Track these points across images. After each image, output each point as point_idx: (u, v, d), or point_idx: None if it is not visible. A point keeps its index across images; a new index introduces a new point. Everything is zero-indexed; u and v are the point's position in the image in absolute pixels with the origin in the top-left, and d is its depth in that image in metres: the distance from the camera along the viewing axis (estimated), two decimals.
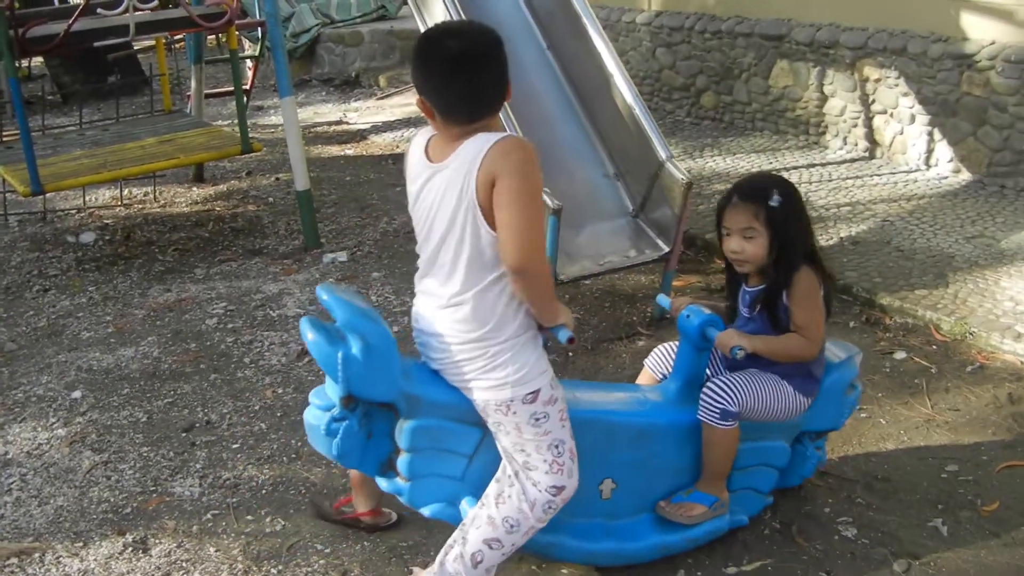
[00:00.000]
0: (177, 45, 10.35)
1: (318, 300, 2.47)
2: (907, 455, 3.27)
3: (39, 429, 3.72)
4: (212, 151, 5.62)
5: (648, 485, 2.79)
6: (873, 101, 6.07)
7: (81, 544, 3.03)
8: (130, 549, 2.99)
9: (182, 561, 2.92)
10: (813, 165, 6.18)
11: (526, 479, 2.46)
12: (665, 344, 3.02)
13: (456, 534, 2.53)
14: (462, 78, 2.29)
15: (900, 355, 3.92)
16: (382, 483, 2.62)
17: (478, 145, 2.27)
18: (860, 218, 5.22)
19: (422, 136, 2.45)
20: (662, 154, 4.15)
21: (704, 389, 2.73)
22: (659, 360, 3.00)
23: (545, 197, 3.84)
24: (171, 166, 5.76)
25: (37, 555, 2.99)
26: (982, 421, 3.44)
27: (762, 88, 6.82)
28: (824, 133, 6.50)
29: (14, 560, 2.97)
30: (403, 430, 2.48)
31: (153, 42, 6.97)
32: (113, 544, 3.02)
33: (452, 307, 2.38)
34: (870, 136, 6.18)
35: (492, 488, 2.52)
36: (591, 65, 4.60)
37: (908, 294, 4.28)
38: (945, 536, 2.87)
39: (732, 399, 2.68)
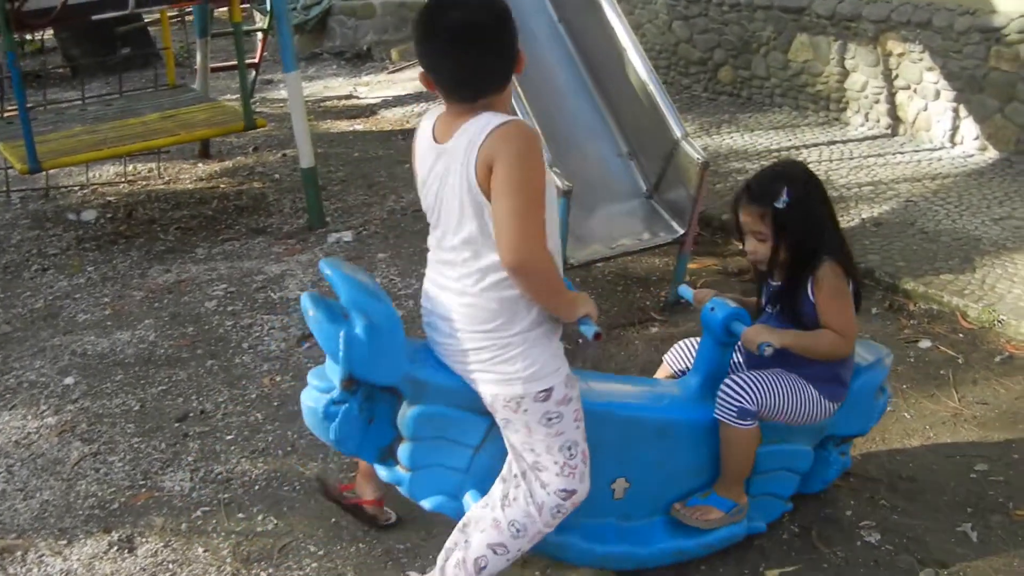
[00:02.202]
0: (188, 18, 10.20)
1: (322, 275, 2.32)
2: (933, 453, 3.11)
3: (29, 417, 3.60)
4: (215, 127, 5.49)
5: (663, 486, 2.65)
6: (896, 76, 5.87)
7: (65, 542, 2.91)
8: (115, 548, 2.86)
9: (168, 562, 2.79)
10: (833, 142, 5.99)
11: (534, 480, 2.32)
12: (686, 340, 2.88)
13: (456, 535, 2.39)
14: (463, 53, 2.12)
15: (925, 344, 3.75)
16: (381, 472, 2.47)
17: (479, 126, 2.11)
18: (882, 198, 5.04)
19: (432, 114, 2.29)
20: (677, 132, 3.98)
21: (722, 386, 2.58)
22: (678, 356, 2.86)
23: (555, 177, 3.67)
24: (172, 143, 5.64)
25: (19, 553, 2.88)
26: (1013, 415, 3.28)
27: (781, 63, 6.61)
28: (845, 109, 6.31)
29: None
30: (406, 417, 2.33)
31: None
32: (98, 542, 2.89)
33: (460, 294, 2.23)
34: (893, 112, 5.99)
35: (497, 488, 2.37)
36: (604, 38, 4.41)
37: (933, 279, 4.11)
38: (975, 542, 2.72)
39: (751, 397, 2.53)
